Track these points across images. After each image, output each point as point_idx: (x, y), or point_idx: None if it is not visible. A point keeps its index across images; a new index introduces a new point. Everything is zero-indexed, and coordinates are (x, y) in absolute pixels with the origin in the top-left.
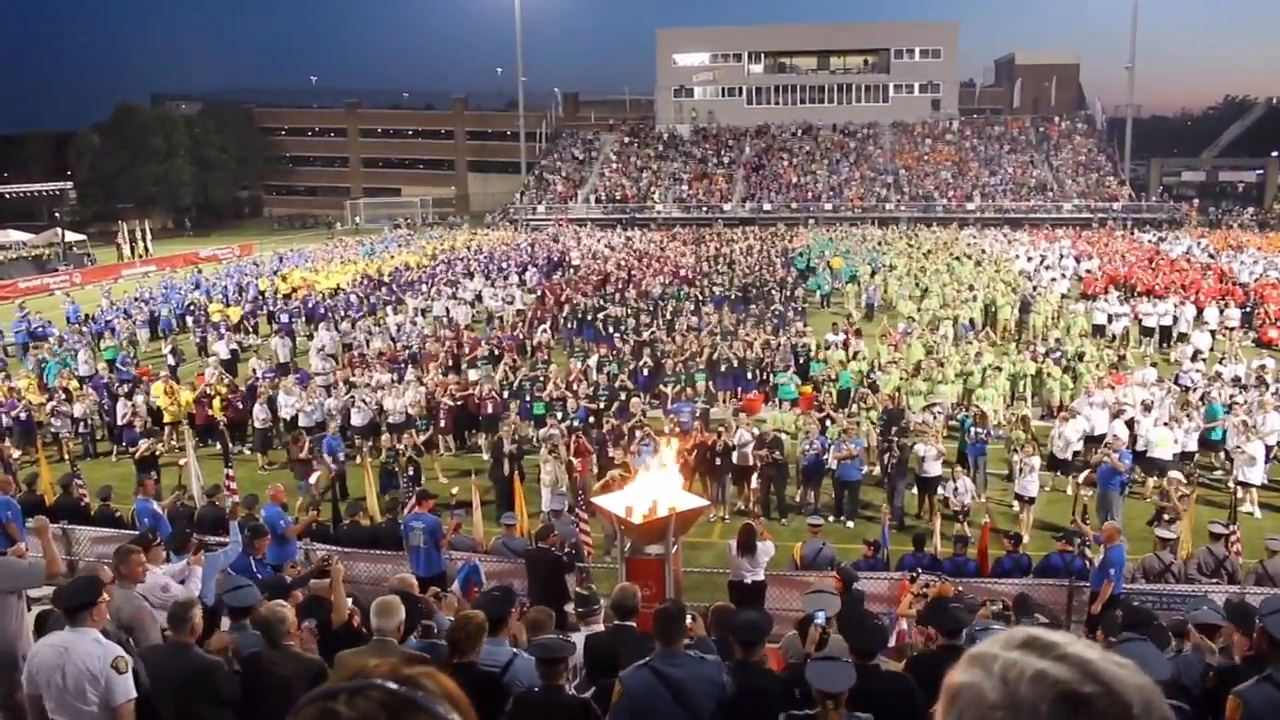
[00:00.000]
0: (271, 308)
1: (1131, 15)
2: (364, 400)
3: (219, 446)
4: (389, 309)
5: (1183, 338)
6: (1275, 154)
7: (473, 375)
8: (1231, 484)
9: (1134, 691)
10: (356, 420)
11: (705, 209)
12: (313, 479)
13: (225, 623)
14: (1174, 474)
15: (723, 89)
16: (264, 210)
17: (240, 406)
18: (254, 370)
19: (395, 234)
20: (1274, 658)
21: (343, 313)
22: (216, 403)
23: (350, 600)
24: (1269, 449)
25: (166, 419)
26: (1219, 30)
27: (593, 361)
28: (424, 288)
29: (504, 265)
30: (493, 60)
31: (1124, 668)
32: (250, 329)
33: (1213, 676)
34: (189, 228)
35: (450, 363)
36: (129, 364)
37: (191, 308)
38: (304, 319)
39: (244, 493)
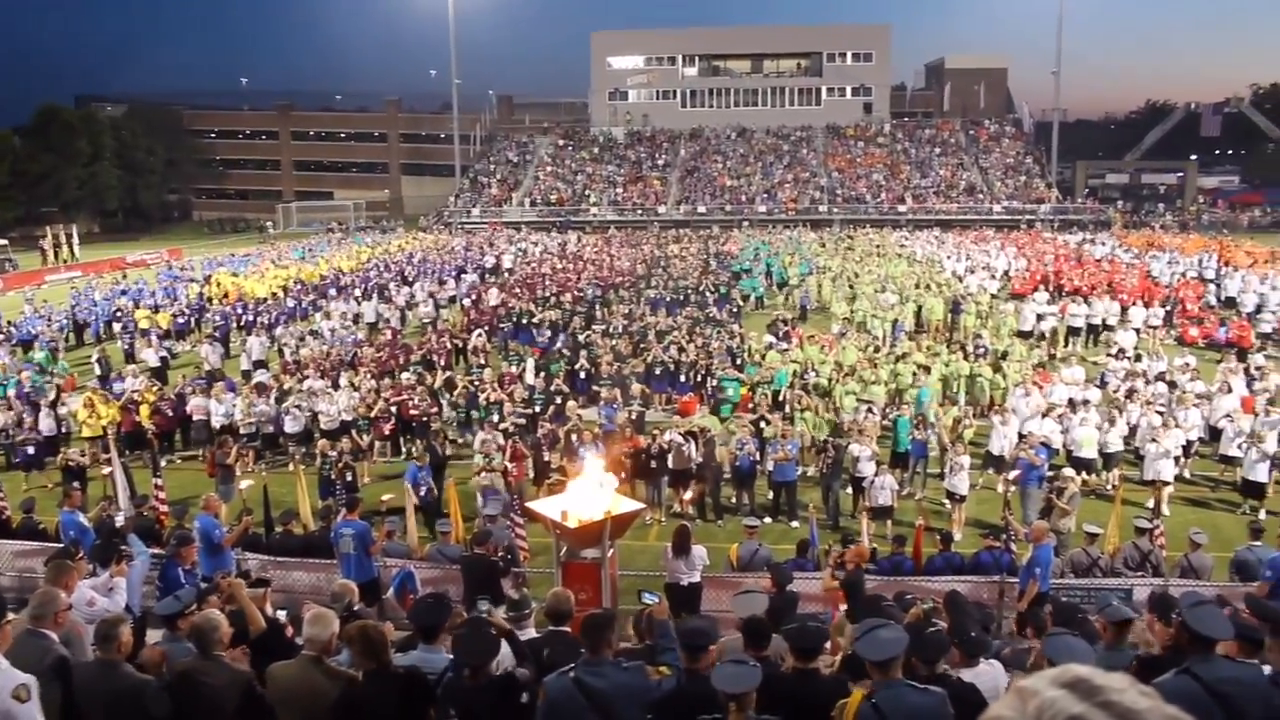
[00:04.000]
0: (200, 314)
1: (1057, 21)
2: (297, 407)
3: (147, 456)
4: (321, 314)
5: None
6: (1194, 157)
7: (405, 380)
8: (1155, 478)
9: None
10: (290, 427)
11: (640, 212)
12: (242, 485)
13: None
14: (1068, 472)
15: (657, 92)
16: (194, 214)
17: (170, 414)
18: (184, 377)
19: (328, 237)
20: (1193, 651)
21: (274, 318)
22: (144, 410)
23: (283, 612)
24: (1188, 444)
25: (86, 433)
26: (1140, 38)
27: (530, 364)
28: (357, 292)
29: (438, 269)
30: (426, 62)
31: None
32: (180, 335)
33: (1135, 668)
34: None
35: (386, 368)
36: (48, 374)
37: (118, 313)
38: (235, 325)
39: (175, 502)
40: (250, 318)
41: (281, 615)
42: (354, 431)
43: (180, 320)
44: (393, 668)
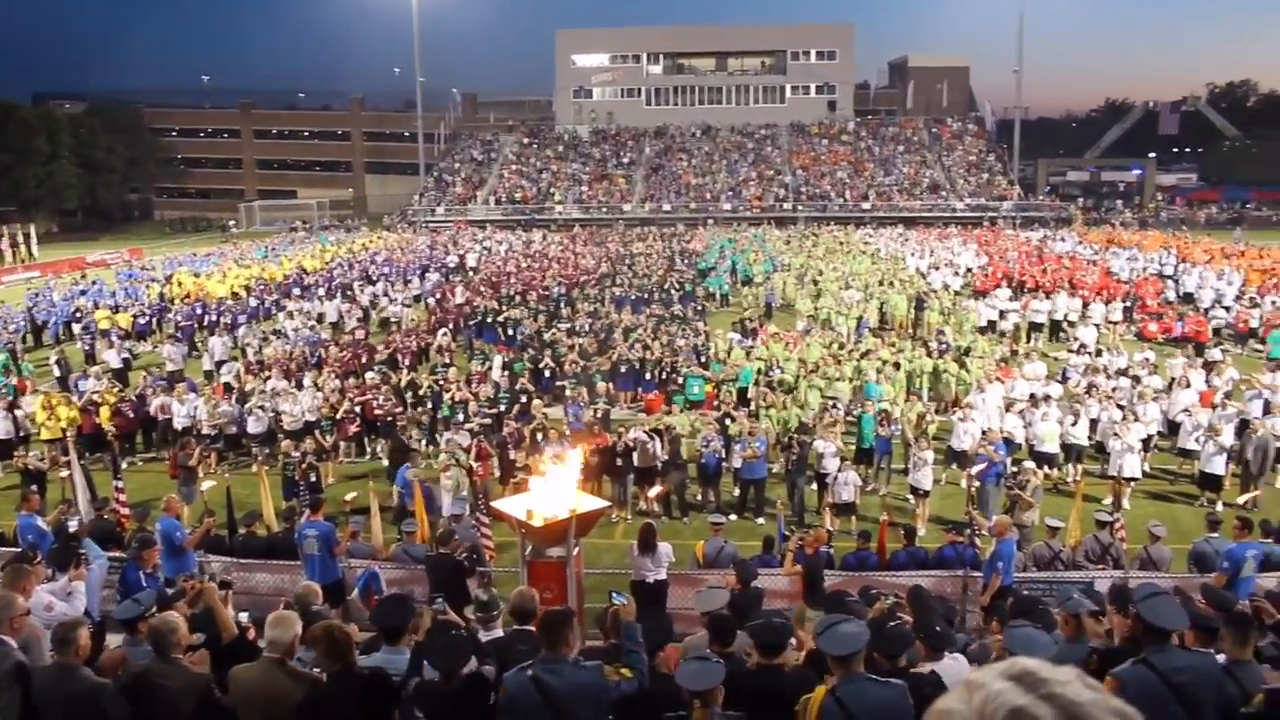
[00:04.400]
0: (162, 314)
1: (1018, 21)
2: (260, 407)
3: (108, 458)
4: (284, 314)
5: (1069, 324)
6: (1152, 155)
7: (370, 380)
8: (1118, 473)
9: None
10: (253, 428)
11: (605, 210)
12: (204, 487)
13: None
14: (1028, 464)
15: (621, 90)
16: (155, 213)
17: (131, 416)
18: (144, 378)
19: (292, 236)
20: (1149, 641)
21: (237, 318)
22: (105, 412)
23: (245, 615)
24: (1147, 438)
25: (44, 435)
26: (1100, 37)
27: (496, 362)
28: (321, 292)
29: (402, 268)
30: (390, 60)
31: (1118, 715)
32: (141, 336)
33: (1094, 659)
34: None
35: (350, 368)
36: (7, 372)
37: (78, 314)
38: (198, 325)
39: (137, 504)
40: (212, 318)
41: (244, 617)
42: (318, 432)
43: (141, 321)
44: (357, 669)
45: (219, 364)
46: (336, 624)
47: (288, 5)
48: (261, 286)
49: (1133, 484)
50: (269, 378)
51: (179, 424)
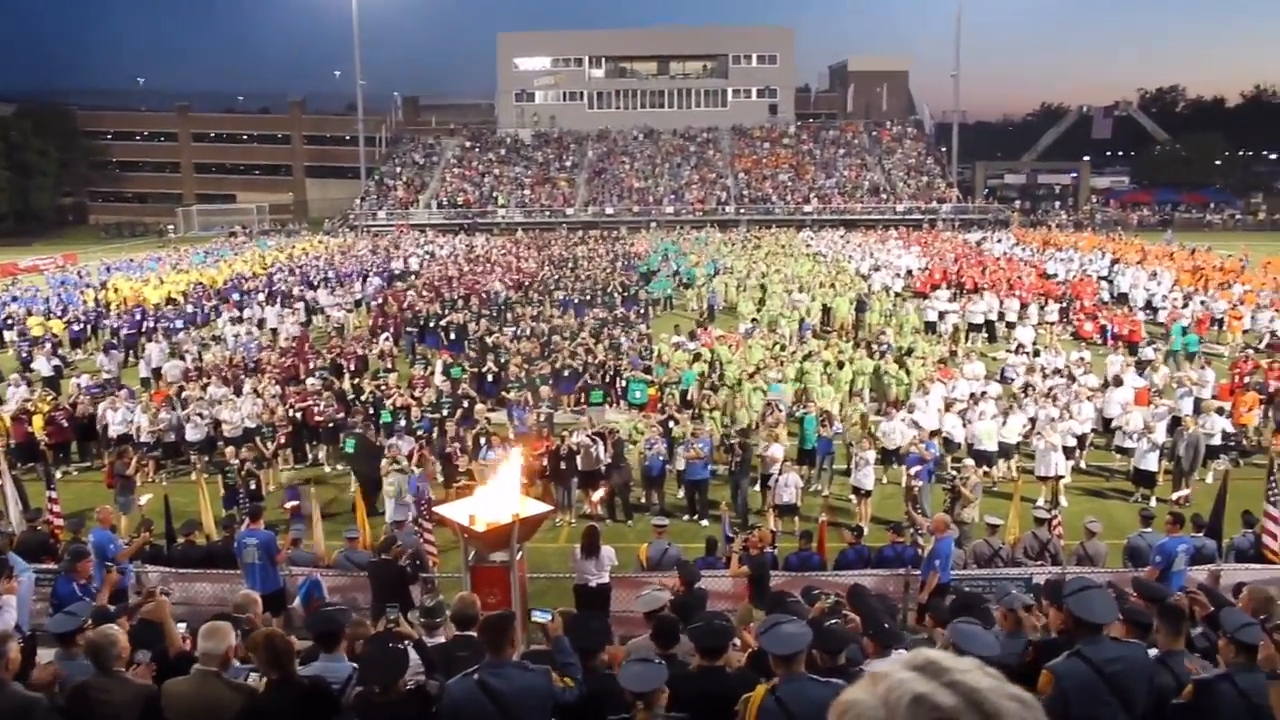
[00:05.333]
0: (97, 321)
1: (956, 25)
2: (199, 415)
3: (40, 468)
4: (224, 320)
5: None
6: (1086, 158)
7: (311, 386)
8: (1045, 473)
9: None
10: (192, 435)
11: (548, 213)
12: (141, 500)
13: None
14: (969, 463)
15: (564, 93)
16: (90, 218)
17: (64, 425)
18: (77, 386)
19: (230, 241)
20: (1081, 634)
21: (175, 324)
22: (38, 420)
23: (183, 625)
24: (1082, 436)
25: None
26: (1036, 42)
27: (438, 367)
28: (261, 297)
29: (344, 273)
30: (330, 63)
31: (1016, 700)
32: (76, 344)
33: (1031, 652)
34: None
35: (291, 374)
36: None
37: (9, 321)
38: (135, 332)
39: (72, 515)
40: (150, 324)
41: (182, 628)
42: (258, 439)
43: (75, 328)
44: (297, 678)
45: (156, 371)
46: (277, 632)
47: (225, 6)
48: (200, 292)
49: (1060, 481)
50: (208, 384)
51: (115, 431)
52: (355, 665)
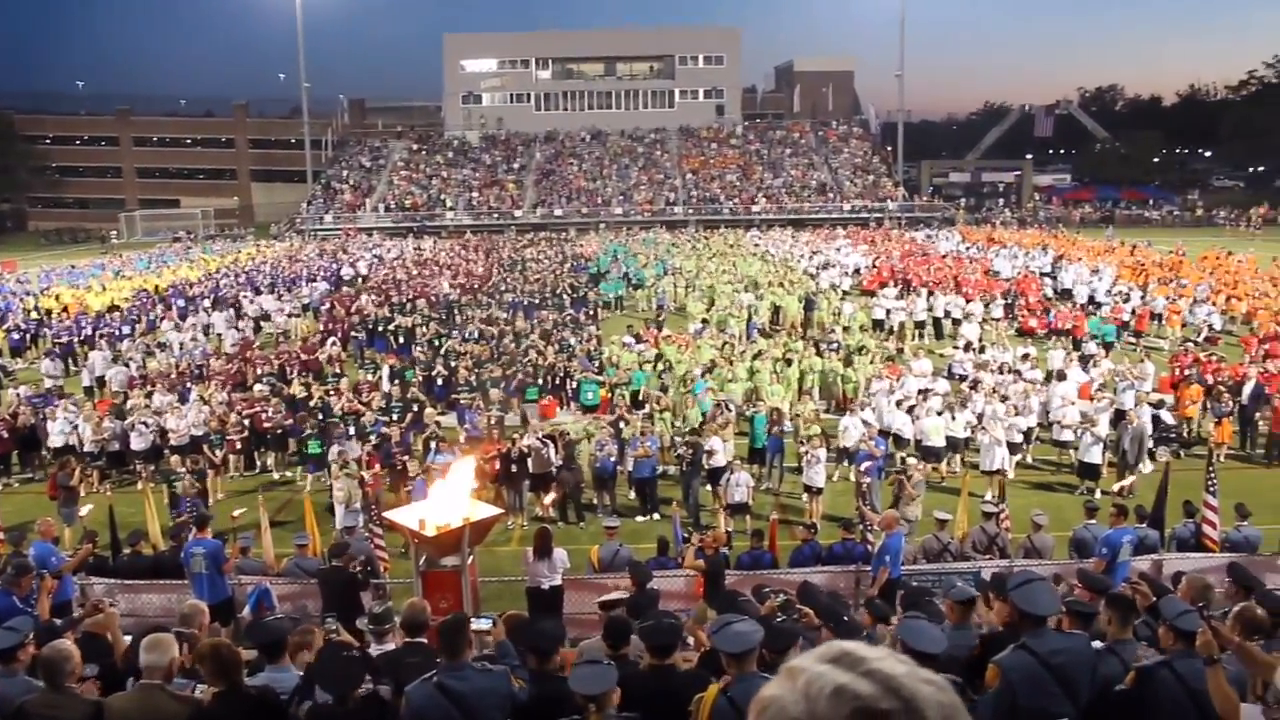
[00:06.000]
0: (38, 329)
1: (899, 25)
2: (144, 423)
3: None
4: (170, 326)
5: (953, 321)
6: (1029, 156)
7: (259, 392)
8: (989, 468)
9: (934, 709)
10: (137, 444)
11: (497, 216)
12: (83, 511)
13: None
14: (912, 460)
15: (511, 95)
16: (29, 224)
17: (5, 436)
18: (17, 396)
19: (174, 247)
20: (1026, 627)
21: (118, 331)
22: None
23: (129, 638)
24: (1028, 430)
25: None
26: (978, 43)
27: (385, 372)
28: (206, 303)
29: (292, 278)
30: (274, 65)
31: (930, 684)
32: (16, 352)
33: (978, 645)
34: None
35: (238, 380)
36: None
37: None
38: (77, 339)
39: (13, 528)
40: (89, 331)
41: (128, 640)
42: (206, 446)
43: (15, 336)
44: (244, 688)
45: (100, 379)
46: (224, 643)
47: (166, 8)
48: (144, 298)
49: (1002, 475)
50: (153, 392)
51: (55, 442)
52: (301, 675)
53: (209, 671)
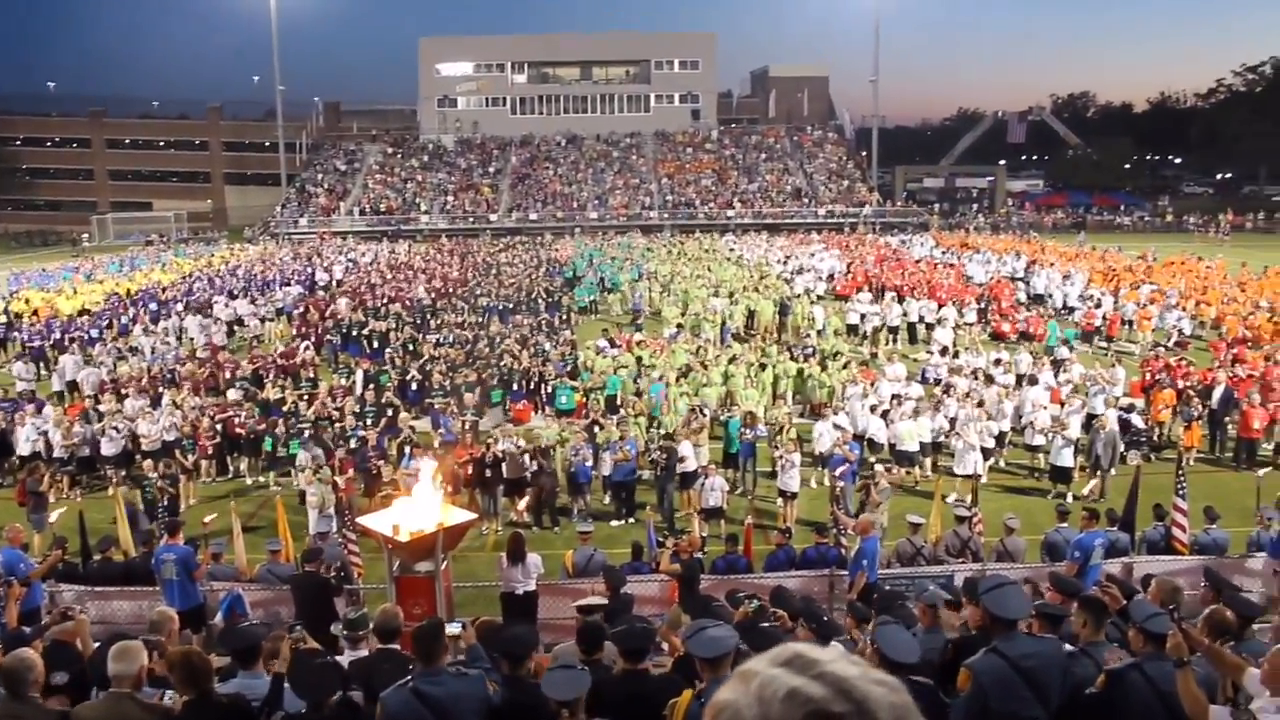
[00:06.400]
0: (7, 333)
1: (874, 32)
2: (115, 428)
3: None
4: (141, 330)
5: (927, 326)
6: (1002, 162)
7: (232, 396)
8: (962, 472)
9: (886, 710)
10: (108, 449)
11: (472, 220)
12: (52, 517)
13: None
14: (879, 468)
15: (486, 99)
16: None
17: None
18: None
19: (147, 250)
20: (997, 631)
21: (88, 335)
22: None
23: (96, 645)
24: (1001, 434)
25: None
26: (952, 49)
27: (359, 377)
28: (179, 307)
29: (265, 281)
30: (249, 68)
31: (881, 685)
32: None
33: (950, 649)
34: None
35: (210, 385)
36: None
37: None
38: (47, 344)
39: None
40: (58, 335)
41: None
42: (178, 451)
43: None
44: (215, 696)
45: (70, 384)
46: (195, 650)
47: (140, 9)
48: (116, 302)
49: (974, 479)
50: (126, 396)
51: (25, 448)
52: (273, 680)
53: (178, 679)
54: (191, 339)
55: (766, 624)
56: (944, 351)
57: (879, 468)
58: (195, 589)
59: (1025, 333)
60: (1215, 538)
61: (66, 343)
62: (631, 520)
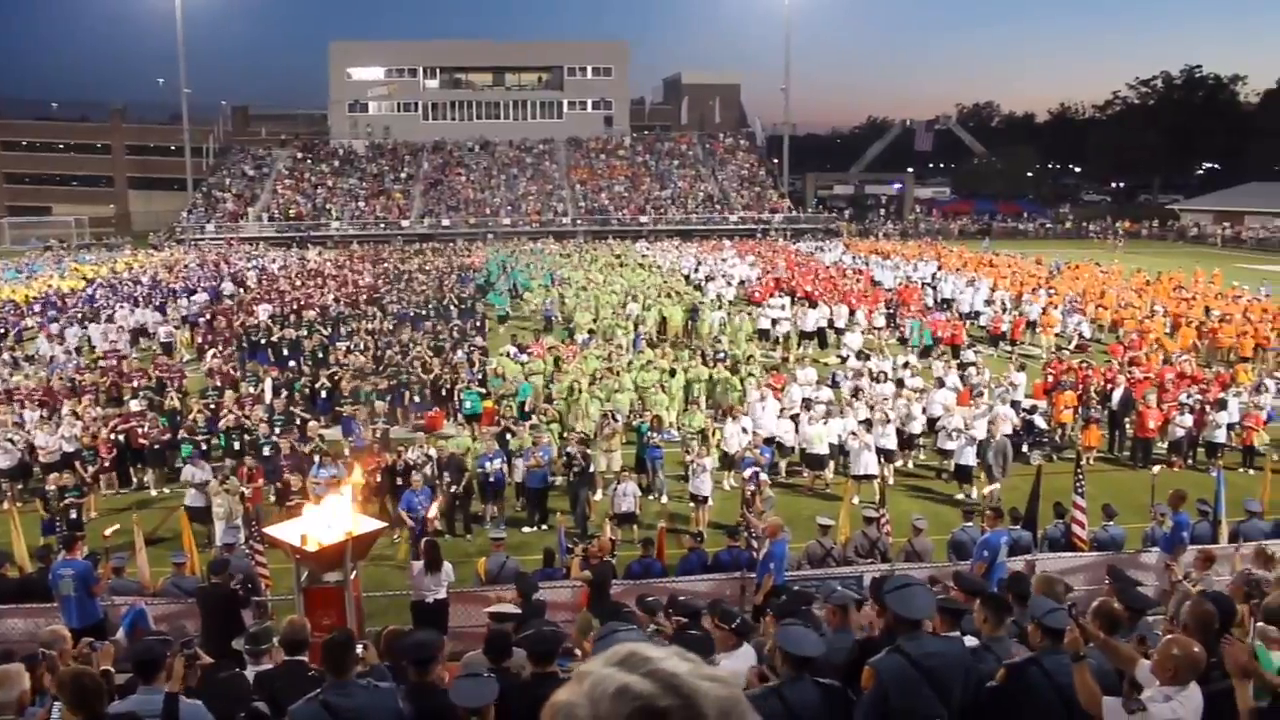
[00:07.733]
0: None
1: (785, 40)
2: (10, 440)
3: None
4: (44, 338)
5: (837, 331)
6: (910, 170)
7: (134, 406)
8: (861, 473)
9: (713, 704)
10: (2, 462)
11: (383, 226)
12: None
13: None
14: (764, 476)
15: (398, 104)
16: None
17: None
18: None
19: (46, 256)
20: (901, 630)
21: None
22: None
23: None
24: (911, 436)
25: None
26: (862, 58)
27: (268, 384)
28: (79, 314)
29: (170, 289)
30: (153, 70)
31: (710, 680)
32: None
33: (855, 649)
34: None
35: (112, 394)
36: None
37: None
38: None
39: None
40: None
41: None
42: (78, 463)
43: None
44: (105, 717)
45: None
46: (86, 670)
47: (38, 6)
48: (11, 309)
49: (881, 480)
50: (24, 406)
51: None
52: (166, 699)
53: (69, 701)
54: (93, 348)
55: (695, 631)
56: (860, 355)
57: (764, 477)
58: (95, 605)
59: (936, 336)
60: (1113, 534)
61: None
62: (545, 526)
